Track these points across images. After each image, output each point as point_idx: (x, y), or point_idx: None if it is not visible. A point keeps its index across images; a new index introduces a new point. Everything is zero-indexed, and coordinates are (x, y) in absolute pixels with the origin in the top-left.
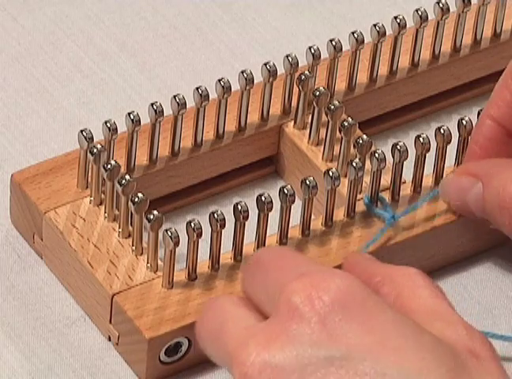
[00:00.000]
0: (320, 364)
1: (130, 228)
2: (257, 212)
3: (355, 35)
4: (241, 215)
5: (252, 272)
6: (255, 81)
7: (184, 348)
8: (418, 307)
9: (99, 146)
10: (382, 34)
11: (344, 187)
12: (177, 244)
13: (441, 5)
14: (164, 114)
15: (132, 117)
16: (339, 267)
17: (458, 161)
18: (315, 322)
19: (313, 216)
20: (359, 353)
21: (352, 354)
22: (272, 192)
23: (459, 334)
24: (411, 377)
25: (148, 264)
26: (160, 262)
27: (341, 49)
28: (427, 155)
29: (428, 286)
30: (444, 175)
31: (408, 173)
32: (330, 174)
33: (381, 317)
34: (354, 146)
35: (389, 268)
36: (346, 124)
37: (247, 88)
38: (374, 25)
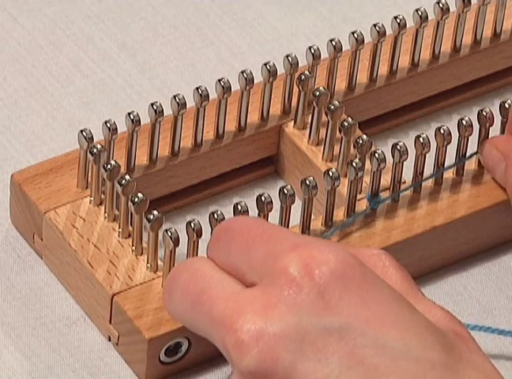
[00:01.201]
0: (319, 334)
1: (130, 228)
2: (257, 211)
3: (355, 35)
4: (241, 215)
5: (225, 241)
6: (255, 81)
7: (184, 348)
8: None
9: (99, 146)
10: (382, 34)
11: (344, 187)
12: (177, 244)
13: (441, 5)
14: (164, 114)
15: (132, 117)
16: None
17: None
18: (314, 293)
19: (313, 216)
20: (359, 325)
21: (352, 326)
22: (272, 192)
23: (439, 316)
24: (411, 351)
25: (148, 264)
26: (160, 262)
27: (341, 49)
28: (427, 155)
29: (397, 267)
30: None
31: (408, 173)
32: (330, 174)
33: (379, 292)
34: (354, 146)
35: (355, 250)
36: (346, 124)
37: (247, 88)
38: (374, 25)
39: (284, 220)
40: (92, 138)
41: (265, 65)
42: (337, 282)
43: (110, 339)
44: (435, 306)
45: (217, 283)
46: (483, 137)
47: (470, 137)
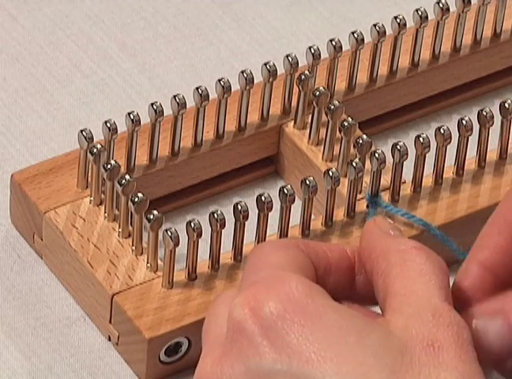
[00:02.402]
0: (265, 377)
1: (130, 228)
2: (257, 212)
3: (355, 35)
4: (241, 215)
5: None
6: (255, 81)
7: (184, 348)
8: (398, 289)
9: (99, 146)
10: (382, 34)
11: (344, 187)
12: (177, 244)
13: (441, 5)
14: (164, 114)
15: (132, 117)
16: None
17: (458, 161)
18: (258, 335)
19: (313, 216)
20: (300, 365)
21: (293, 366)
22: (272, 192)
23: (424, 322)
24: None
25: (148, 264)
26: (160, 262)
27: (341, 49)
28: (427, 155)
29: (419, 263)
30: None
31: (408, 173)
32: (330, 174)
33: (322, 323)
34: (354, 146)
35: (387, 243)
36: (346, 124)
37: (247, 88)
38: (374, 25)
39: (284, 220)
40: (92, 138)
41: (265, 65)
42: (279, 321)
43: (110, 339)
44: (428, 308)
45: (214, 321)
46: (484, 137)
47: (470, 137)
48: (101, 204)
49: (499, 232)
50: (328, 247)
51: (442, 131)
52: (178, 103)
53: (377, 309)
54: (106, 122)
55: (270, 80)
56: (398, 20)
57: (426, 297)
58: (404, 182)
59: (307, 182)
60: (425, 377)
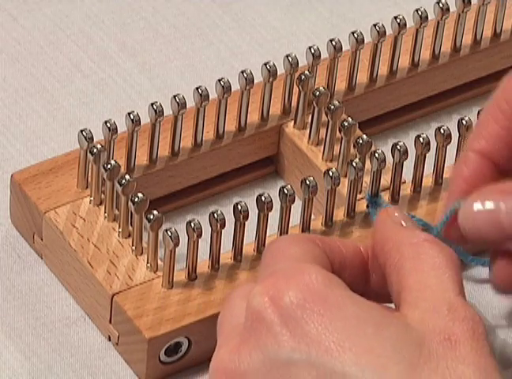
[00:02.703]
0: (283, 366)
1: (130, 228)
2: (257, 212)
3: (355, 35)
4: (241, 215)
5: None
6: (255, 81)
7: (184, 348)
8: (413, 284)
9: (99, 146)
10: (382, 34)
11: (344, 187)
12: (177, 244)
13: (441, 5)
14: (164, 114)
15: (132, 117)
16: None
17: None
18: (277, 324)
19: (313, 216)
20: (319, 354)
21: (312, 356)
22: (272, 192)
23: (440, 316)
24: (366, 375)
25: (148, 264)
26: (160, 262)
27: (341, 49)
28: (427, 155)
29: (432, 256)
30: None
31: (408, 173)
32: (330, 174)
33: (341, 314)
34: (354, 146)
35: (400, 236)
36: (346, 124)
37: (247, 88)
38: (374, 25)
39: (284, 220)
40: (92, 138)
41: (265, 65)
42: (298, 311)
43: (110, 339)
44: (444, 302)
45: (230, 313)
46: None
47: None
48: (101, 204)
49: (495, 120)
50: (342, 243)
51: (442, 131)
52: (178, 103)
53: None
54: (106, 122)
55: (270, 80)
56: (398, 20)
57: (440, 291)
58: (404, 182)
59: (307, 182)
60: (443, 370)
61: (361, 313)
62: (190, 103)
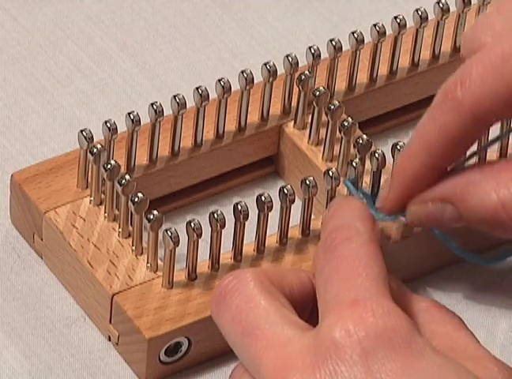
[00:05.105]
0: None
1: (130, 228)
2: (257, 212)
3: (355, 35)
4: (241, 215)
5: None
6: (255, 81)
7: (184, 348)
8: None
9: (99, 146)
10: (382, 34)
11: (344, 187)
12: (177, 244)
13: (441, 5)
14: (164, 114)
15: (132, 117)
16: None
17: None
18: (357, 356)
19: (313, 216)
20: None
21: None
22: (272, 192)
23: (492, 375)
24: None
25: (148, 264)
26: (160, 262)
27: (341, 49)
28: None
29: (448, 318)
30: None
31: None
32: (330, 174)
33: (424, 361)
34: (354, 146)
35: (406, 298)
36: (346, 124)
37: (247, 88)
38: (374, 25)
39: (284, 220)
40: (92, 138)
41: (265, 65)
42: (381, 347)
43: (110, 339)
44: (489, 361)
45: (271, 326)
46: (484, 137)
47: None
48: (101, 204)
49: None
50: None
51: None
52: (178, 103)
53: None
54: (106, 122)
55: (270, 80)
56: (398, 20)
57: (475, 348)
58: None
59: (307, 182)
60: None
61: (444, 362)
62: (190, 103)
